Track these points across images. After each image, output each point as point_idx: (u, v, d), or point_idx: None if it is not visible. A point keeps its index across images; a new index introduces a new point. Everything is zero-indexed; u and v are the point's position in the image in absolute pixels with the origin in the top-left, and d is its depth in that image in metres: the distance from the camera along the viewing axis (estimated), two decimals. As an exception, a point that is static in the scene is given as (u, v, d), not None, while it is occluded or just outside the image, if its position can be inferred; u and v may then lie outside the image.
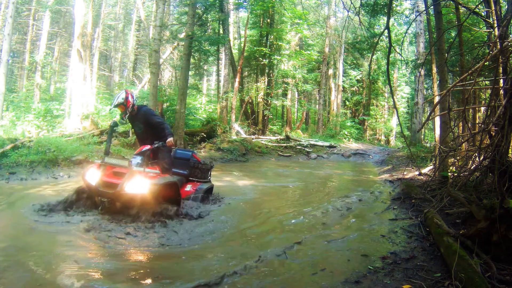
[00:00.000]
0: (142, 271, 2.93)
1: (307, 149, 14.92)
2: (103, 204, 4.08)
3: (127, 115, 4.85)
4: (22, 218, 4.03)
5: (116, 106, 4.74)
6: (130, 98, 4.80)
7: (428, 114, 13.58)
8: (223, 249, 3.52)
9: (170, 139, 4.71)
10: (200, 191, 5.24)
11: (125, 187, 3.96)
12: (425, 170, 8.49)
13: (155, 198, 4.14)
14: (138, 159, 4.41)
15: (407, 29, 19.15)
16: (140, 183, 3.98)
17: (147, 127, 4.90)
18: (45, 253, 3.09)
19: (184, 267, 3.02)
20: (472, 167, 4.94)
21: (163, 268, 3.01)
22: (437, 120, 10.00)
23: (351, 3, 5.98)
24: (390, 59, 5.43)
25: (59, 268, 2.80)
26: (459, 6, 8.15)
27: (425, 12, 11.82)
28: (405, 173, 8.94)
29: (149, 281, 2.75)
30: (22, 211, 4.26)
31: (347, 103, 25.52)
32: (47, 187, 6.01)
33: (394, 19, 18.85)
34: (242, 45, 17.29)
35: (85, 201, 4.39)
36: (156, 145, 4.59)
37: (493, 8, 6.54)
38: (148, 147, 4.62)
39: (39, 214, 4.11)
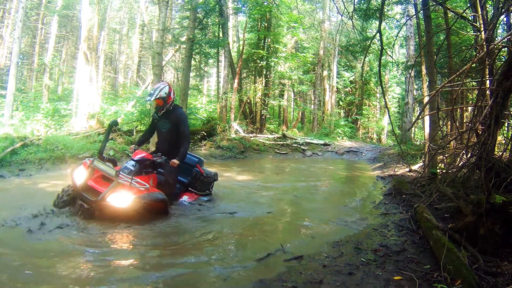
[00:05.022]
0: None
1: (303, 147, 14.88)
2: (82, 209, 3.70)
3: (164, 111, 4.32)
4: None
5: (156, 98, 4.20)
6: (172, 95, 4.29)
7: (418, 113, 13.59)
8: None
9: (175, 161, 4.17)
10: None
11: (107, 198, 3.61)
12: (415, 167, 8.49)
13: (137, 213, 3.74)
14: (131, 165, 3.98)
15: (398, 32, 19.16)
16: (124, 197, 3.62)
17: (173, 131, 4.37)
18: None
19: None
20: (460, 164, 4.93)
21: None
22: (427, 119, 10.00)
23: (345, 7, 5.95)
24: (381, 61, 5.41)
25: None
26: (448, 10, 8.12)
27: (415, 16, 11.80)
28: (396, 169, 8.94)
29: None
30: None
31: (341, 103, 25.46)
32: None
33: (386, 23, 18.88)
34: (241, 47, 17.20)
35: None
36: (159, 161, 4.11)
37: (479, 12, 6.53)
38: (144, 154, 4.15)
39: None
